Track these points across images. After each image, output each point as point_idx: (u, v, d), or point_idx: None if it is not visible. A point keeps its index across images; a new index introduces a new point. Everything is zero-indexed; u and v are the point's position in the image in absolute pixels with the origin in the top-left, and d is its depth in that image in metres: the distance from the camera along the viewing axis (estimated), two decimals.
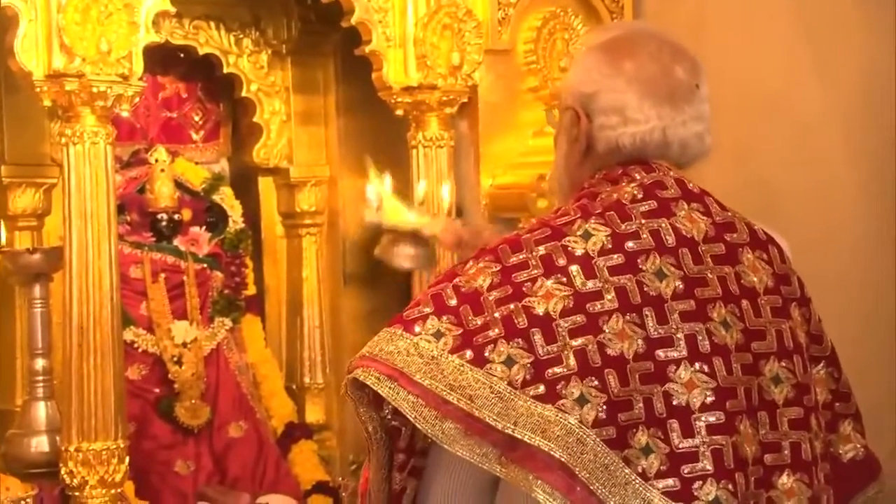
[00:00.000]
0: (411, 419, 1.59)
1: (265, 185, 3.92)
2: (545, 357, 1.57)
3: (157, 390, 3.47)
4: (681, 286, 1.63)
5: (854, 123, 3.49)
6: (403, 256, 2.49)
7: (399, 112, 3.34)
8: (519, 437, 1.54)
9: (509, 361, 1.57)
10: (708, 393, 1.60)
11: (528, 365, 1.57)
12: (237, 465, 3.51)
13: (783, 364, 1.67)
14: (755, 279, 1.69)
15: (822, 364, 1.75)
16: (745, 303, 1.66)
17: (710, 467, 1.58)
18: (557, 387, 1.56)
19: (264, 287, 3.89)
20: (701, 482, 1.57)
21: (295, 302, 3.87)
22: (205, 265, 3.61)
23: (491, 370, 1.57)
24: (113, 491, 2.89)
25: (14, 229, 3.39)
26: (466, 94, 3.39)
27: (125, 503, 2.94)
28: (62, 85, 2.83)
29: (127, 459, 2.91)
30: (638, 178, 1.72)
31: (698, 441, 1.58)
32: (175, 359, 3.47)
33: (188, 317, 3.53)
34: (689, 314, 1.62)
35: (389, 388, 1.59)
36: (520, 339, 1.58)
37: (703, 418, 1.59)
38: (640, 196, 1.69)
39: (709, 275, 1.65)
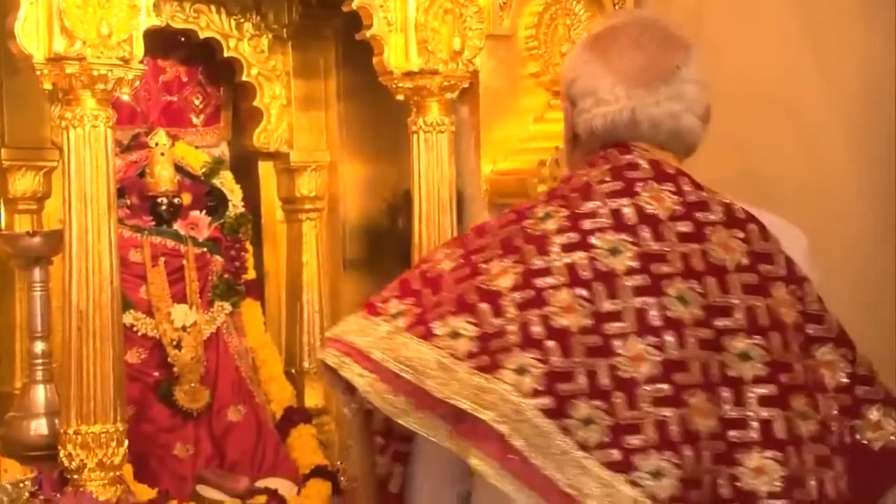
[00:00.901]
0: (363, 393, 1.64)
1: (265, 169, 3.91)
2: (491, 330, 1.62)
3: (156, 374, 3.47)
4: (636, 262, 1.65)
5: (854, 119, 3.49)
6: None
7: (400, 97, 3.33)
8: (457, 405, 1.58)
9: (455, 335, 1.62)
10: (655, 366, 1.61)
11: (474, 338, 1.61)
12: (236, 449, 3.52)
13: (755, 341, 1.65)
14: (726, 257, 1.69)
15: (829, 345, 1.72)
16: (710, 279, 1.66)
17: (653, 439, 1.58)
18: (499, 357, 1.59)
19: (264, 272, 3.89)
20: (642, 453, 1.58)
21: (294, 287, 3.87)
22: (205, 249, 3.61)
23: (437, 343, 1.62)
24: (112, 474, 2.89)
25: (14, 212, 3.39)
26: (467, 79, 3.38)
27: (124, 486, 2.94)
28: (63, 68, 2.82)
29: (126, 442, 2.91)
30: (612, 160, 1.74)
31: (642, 413, 1.59)
32: (174, 342, 3.48)
33: (188, 301, 3.53)
34: (642, 289, 1.64)
35: (345, 364, 1.66)
36: (468, 314, 1.63)
37: (648, 390, 1.60)
38: (608, 178, 1.73)
39: (669, 251, 1.67)
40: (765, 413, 1.63)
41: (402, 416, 1.62)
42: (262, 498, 3.31)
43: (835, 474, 1.67)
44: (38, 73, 2.84)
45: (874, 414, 1.73)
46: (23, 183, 3.40)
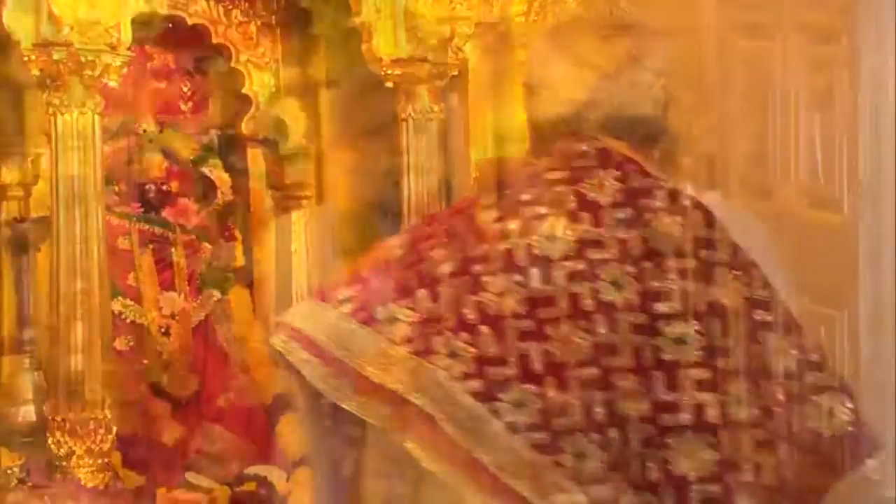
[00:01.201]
0: (306, 377, 1.69)
1: (254, 156, 3.90)
2: (427, 315, 1.65)
3: (144, 361, 3.47)
4: (572, 248, 1.67)
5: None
6: None
7: (389, 84, 3.32)
8: (392, 388, 1.62)
9: (394, 320, 1.66)
10: (585, 350, 1.63)
11: (412, 323, 1.65)
12: (225, 436, 3.52)
13: (692, 326, 1.66)
14: (666, 243, 1.69)
15: (777, 331, 1.72)
16: (647, 264, 1.68)
17: (579, 421, 1.61)
18: (432, 342, 1.63)
19: (253, 259, 3.88)
20: (569, 435, 1.60)
21: (283, 274, 3.86)
22: (193, 236, 3.60)
23: (377, 328, 1.66)
24: (100, 461, 2.89)
25: (2, 199, 3.38)
26: (457, 66, 3.37)
27: (112, 473, 2.94)
28: (50, 54, 2.81)
29: (114, 430, 2.91)
30: (564, 149, 1.77)
31: (571, 396, 1.61)
32: (163, 330, 3.47)
33: (176, 288, 3.53)
34: (576, 274, 1.66)
35: (293, 349, 1.71)
36: (407, 299, 1.67)
37: (577, 374, 1.62)
38: (556, 166, 1.75)
39: (607, 237, 1.68)
40: (700, 397, 1.64)
41: (345, 399, 1.66)
42: (252, 485, 3.31)
43: (776, 460, 1.67)
44: (26, 58, 2.83)
45: (825, 401, 1.71)
46: (10, 170, 3.38)
